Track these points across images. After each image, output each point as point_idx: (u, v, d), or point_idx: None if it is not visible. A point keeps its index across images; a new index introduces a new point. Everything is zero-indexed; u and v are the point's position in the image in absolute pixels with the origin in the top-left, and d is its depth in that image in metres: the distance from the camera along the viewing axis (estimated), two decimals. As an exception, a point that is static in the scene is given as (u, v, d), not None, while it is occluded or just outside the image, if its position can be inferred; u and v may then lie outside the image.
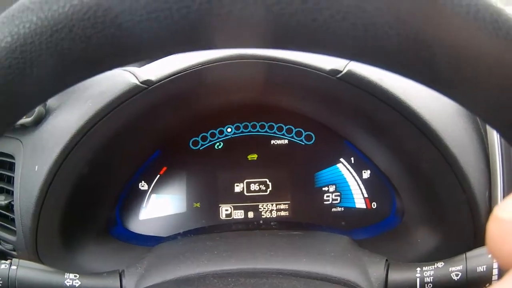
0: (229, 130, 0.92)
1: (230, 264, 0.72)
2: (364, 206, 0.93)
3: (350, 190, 0.93)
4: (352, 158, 0.92)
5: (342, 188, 0.93)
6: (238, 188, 0.93)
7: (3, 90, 0.30)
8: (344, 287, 0.68)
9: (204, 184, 0.93)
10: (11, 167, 0.86)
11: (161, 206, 0.93)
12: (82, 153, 0.76)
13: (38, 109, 0.82)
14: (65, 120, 0.79)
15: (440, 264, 0.68)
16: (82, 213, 0.83)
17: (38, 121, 0.82)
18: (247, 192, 0.93)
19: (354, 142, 0.90)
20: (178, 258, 0.74)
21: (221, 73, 0.76)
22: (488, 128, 0.80)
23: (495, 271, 0.65)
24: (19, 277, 0.66)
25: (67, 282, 0.68)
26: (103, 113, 0.74)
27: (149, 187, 0.93)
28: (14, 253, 0.86)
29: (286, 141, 0.93)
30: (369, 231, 0.90)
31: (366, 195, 0.92)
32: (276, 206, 0.93)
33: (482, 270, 0.65)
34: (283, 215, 0.93)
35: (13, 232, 0.85)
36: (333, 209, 0.93)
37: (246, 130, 0.93)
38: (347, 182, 0.93)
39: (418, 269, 0.68)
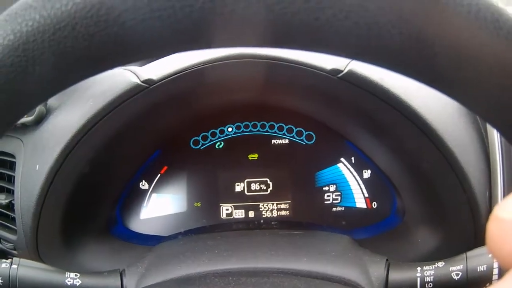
0: (229, 129, 0.92)
1: (231, 263, 0.72)
2: (364, 205, 0.93)
3: (351, 189, 0.93)
4: (353, 158, 0.92)
5: (343, 188, 0.93)
6: (238, 187, 0.93)
7: (5, 89, 0.30)
8: (345, 287, 0.68)
9: (205, 183, 0.93)
10: (11, 166, 0.86)
11: (161, 205, 0.93)
12: (83, 152, 0.76)
13: (39, 108, 0.82)
14: (66, 119, 0.79)
15: (440, 264, 0.68)
16: (82, 212, 0.83)
17: (39, 120, 0.82)
18: (247, 192, 0.93)
19: (355, 142, 0.90)
20: (178, 258, 0.74)
21: (222, 72, 0.76)
22: (489, 128, 0.80)
23: (495, 271, 0.65)
24: (20, 276, 0.66)
25: (68, 281, 0.68)
26: (104, 112, 0.74)
27: (149, 187, 0.93)
28: (15, 252, 0.86)
29: (287, 141, 0.93)
30: (370, 230, 0.90)
31: (366, 195, 0.93)
32: (276, 206, 0.93)
33: (482, 269, 0.65)
34: (284, 215, 0.93)
35: (13, 231, 0.85)
36: (334, 209, 0.93)
37: (247, 130, 0.93)
38: (347, 181, 0.93)
39: (419, 268, 0.68)
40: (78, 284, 0.68)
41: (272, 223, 0.92)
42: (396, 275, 0.70)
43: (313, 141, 0.92)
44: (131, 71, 0.76)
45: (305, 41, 0.31)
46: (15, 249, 0.86)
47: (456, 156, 0.74)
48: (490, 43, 0.29)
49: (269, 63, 0.74)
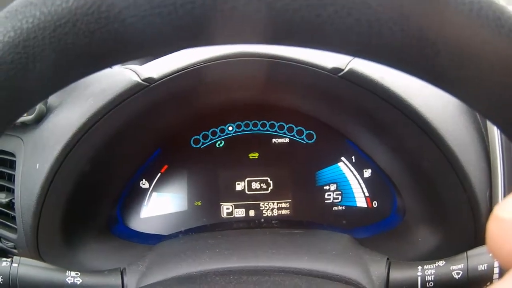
0: (230, 128, 0.92)
1: (232, 262, 0.72)
2: (365, 205, 0.93)
3: (351, 189, 0.93)
4: (353, 157, 0.92)
5: (343, 187, 0.93)
6: (239, 186, 0.93)
7: (5, 86, 0.30)
8: (346, 285, 0.68)
9: (205, 182, 0.93)
10: (12, 165, 0.86)
11: (162, 204, 0.93)
12: (83, 151, 0.76)
13: (39, 107, 0.82)
14: (66, 118, 0.78)
15: (441, 263, 0.67)
16: (83, 211, 0.83)
17: (39, 119, 0.82)
18: (248, 191, 0.93)
19: (355, 141, 0.90)
20: (179, 256, 0.74)
21: (223, 71, 0.75)
22: (489, 127, 0.80)
23: (496, 270, 0.65)
24: (20, 275, 0.66)
25: (69, 279, 0.68)
26: (104, 111, 0.74)
27: (150, 185, 0.93)
28: (15, 251, 0.86)
29: (287, 140, 0.93)
30: (370, 230, 0.90)
31: (367, 194, 0.93)
32: (277, 205, 0.93)
33: (483, 268, 0.65)
34: (284, 214, 0.93)
35: (14, 230, 0.84)
36: (334, 208, 0.93)
37: (247, 129, 0.93)
38: (348, 181, 0.93)
39: (419, 267, 0.68)
40: (78, 283, 0.68)
41: (273, 222, 0.92)
42: (397, 274, 0.70)
43: (313, 140, 0.92)
44: (132, 70, 0.75)
45: (306, 38, 0.31)
46: (15, 248, 0.86)
47: (456, 155, 0.73)
48: (491, 41, 0.29)
49: (270, 62, 0.74)
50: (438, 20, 0.29)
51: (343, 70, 0.72)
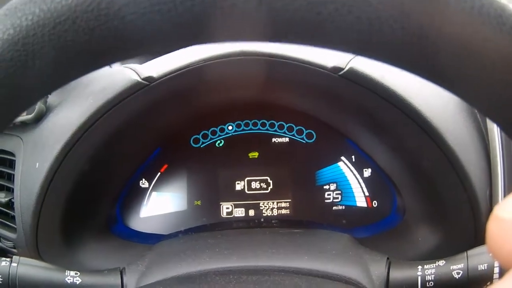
0: (230, 128, 0.92)
1: (232, 261, 0.72)
2: (365, 204, 0.93)
3: (351, 188, 0.93)
4: (353, 157, 0.92)
5: (343, 187, 0.93)
6: (239, 186, 0.93)
7: (4, 83, 0.30)
8: (346, 285, 0.68)
9: (205, 182, 0.93)
10: (11, 164, 0.86)
11: (161, 204, 0.93)
12: (83, 150, 0.76)
13: (39, 106, 0.81)
14: (66, 117, 0.78)
15: (441, 262, 0.67)
16: (82, 211, 0.83)
17: (39, 118, 0.82)
18: (248, 190, 0.93)
19: (355, 140, 0.90)
20: (179, 256, 0.74)
21: (223, 70, 0.75)
22: (489, 126, 0.80)
23: (496, 270, 0.65)
24: (20, 274, 0.66)
25: (68, 279, 0.68)
26: (104, 110, 0.74)
27: (149, 185, 0.93)
28: (15, 250, 0.86)
29: (287, 139, 0.93)
30: (370, 229, 0.90)
31: (367, 194, 0.92)
32: (277, 204, 0.93)
33: (483, 268, 0.65)
34: (284, 213, 0.93)
35: (13, 230, 0.84)
36: (334, 208, 0.93)
37: (247, 128, 0.93)
38: (348, 180, 0.93)
39: (420, 267, 0.68)
40: (78, 282, 0.68)
41: (273, 221, 0.92)
42: (397, 274, 0.70)
43: (313, 139, 0.92)
44: (131, 69, 0.75)
45: (306, 36, 0.31)
46: (14, 248, 0.86)
47: (457, 155, 0.73)
48: (493, 39, 0.29)
49: (270, 61, 0.74)
50: (439, 17, 0.29)
51: (343, 69, 0.72)
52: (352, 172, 0.92)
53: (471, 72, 0.30)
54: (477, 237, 0.77)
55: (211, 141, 0.92)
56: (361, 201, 0.93)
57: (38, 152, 0.79)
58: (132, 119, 0.77)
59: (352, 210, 0.93)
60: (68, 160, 0.75)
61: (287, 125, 0.92)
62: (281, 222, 0.92)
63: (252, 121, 0.92)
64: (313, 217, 0.93)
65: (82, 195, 0.80)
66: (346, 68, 0.72)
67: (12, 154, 0.85)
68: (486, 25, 0.29)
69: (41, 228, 0.79)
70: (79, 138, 0.74)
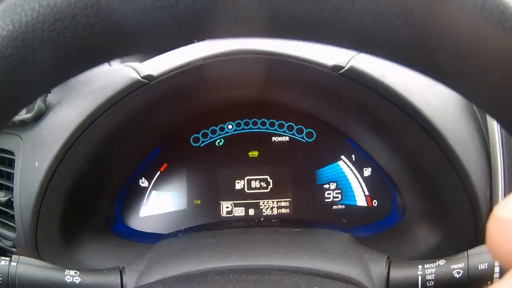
0: (229, 127, 0.92)
1: (232, 260, 0.72)
2: (365, 203, 0.92)
3: (351, 187, 0.93)
4: (353, 156, 0.92)
5: (343, 186, 0.93)
6: (239, 185, 0.92)
7: (3, 80, 0.29)
8: (346, 284, 0.68)
9: (205, 181, 0.93)
10: (10, 163, 0.86)
11: (161, 203, 0.93)
12: (82, 149, 0.76)
13: (38, 105, 0.81)
14: (65, 115, 0.78)
15: (441, 262, 0.67)
16: (82, 210, 0.83)
17: (38, 117, 0.82)
18: (248, 189, 0.92)
19: (355, 139, 0.90)
20: (179, 255, 0.74)
21: (223, 68, 0.75)
22: (490, 126, 0.80)
23: (496, 269, 0.65)
24: (19, 274, 0.66)
25: (68, 278, 0.68)
26: (104, 108, 0.73)
27: (149, 184, 0.92)
28: (14, 249, 0.86)
29: (287, 138, 0.93)
30: (370, 228, 0.90)
31: (367, 193, 0.92)
32: (277, 203, 0.92)
33: (483, 268, 0.65)
34: (284, 213, 0.93)
35: (12, 229, 0.84)
36: (334, 207, 0.93)
37: (247, 127, 0.92)
38: (348, 179, 0.93)
39: (420, 266, 0.68)
40: (77, 281, 0.68)
41: (273, 221, 0.92)
42: (397, 273, 0.70)
43: (313, 138, 0.92)
44: (131, 67, 0.75)
45: (308, 32, 0.30)
46: (14, 247, 0.86)
47: (457, 154, 0.73)
48: (495, 36, 0.29)
49: (270, 59, 0.73)
50: (442, 14, 0.29)
51: (343, 67, 0.72)
52: (352, 171, 0.92)
53: (473, 69, 0.30)
54: (477, 237, 0.77)
55: (211, 140, 0.92)
56: (361, 200, 0.93)
57: (38, 151, 0.78)
58: (131, 117, 0.77)
59: (352, 209, 0.93)
60: (67, 159, 0.75)
61: (287, 124, 0.92)
62: (281, 221, 0.92)
63: (252, 120, 0.92)
64: (313, 216, 0.93)
65: (82, 194, 0.80)
66: (347, 67, 0.72)
67: (12, 153, 0.85)
68: (488, 21, 0.29)
69: (41, 227, 0.78)
70: (79, 137, 0.74)
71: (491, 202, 0.77)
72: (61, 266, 0.69)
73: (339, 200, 0.93)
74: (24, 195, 0.79)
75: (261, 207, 0.93)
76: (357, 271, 0.70)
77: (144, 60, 0.80)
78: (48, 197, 0.76)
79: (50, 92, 0.85)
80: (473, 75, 0.30)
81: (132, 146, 0.86)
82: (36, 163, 0.77)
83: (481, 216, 0.75)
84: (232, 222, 0.92)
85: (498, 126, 0.78)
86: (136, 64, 0.76)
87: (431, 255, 0.73)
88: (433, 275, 0.67)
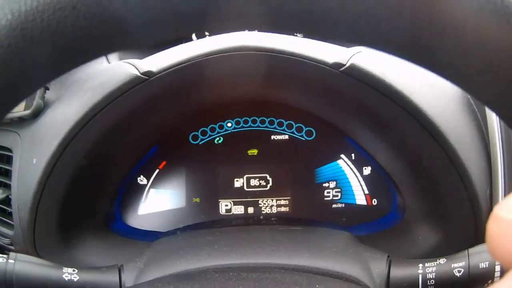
0: (229, 125, 0.92)
1: (231, 258, 0.71)
2: (364, 202, 0.92)
3: (351, 186, 0.92)
4: (353, 154, 0.92)
5: (343, 184, 0.92)
6: (238, 183, 0.92)
7: (1, 71, 0.29)
8: (346, 282, 0.67)
9: (204, 179, 0.92)
10: (8, 160, 0.86)
11: (160, 201, 0.93)
12: (80, 146, 0.75)
13: (37, 102, 0.81)
14: (63, 112, 0.78)
15: (442, 261, 0.67)
16: (80, 207, 0.83)
17: (37, 114, 0.82)
18: (247, 188, 0.92)
19: (355, 138, 0.90)
20: (178, 253, 0.73)
21: (223, 65, 0.75)
22: (490, 125, 0.80)
23: (497, 268, 0.65)
24: (17, 271, 0.66)
25: (66, 276, 0.67)
26: (102, 104, 0.73)
27: (148, 182, 0.92)
28: (12, 247, 0.86)
29: (287, 137, 0.92)
30: (370, 227, 0.90)
31: (366, 192, 0.92)
32: (276, 202, 0.92)
33: (484, 266, 0.65)
34: (283, 211, 0.92)
35: (10, 226, 0.84)
36: (334, 205, 0.92)
37: (246, 125, 0.92)
38: (347, 178, 0.93)
39: (420, 265, 0.68)
40: (75, 279, 0.68)
41: (272, 219, 0.92)
42: (398, 272, 0.70)
43: (313, 137, 0.92)
44: (131, 64, 0.75)
45: (312, 25, 0.30)
46: (12, 244, 0.86)
47: (457, 153, 0.73)
48: (500, 30, 0.29)
49: (271, 56, 0.73)
50: (447, 7, 0.28)
51: (344, 65, 0.72)
52: (352, 170, 0.92)
53: (478, 63, 0.30)
54: (477, 236, 0.76)
55: (210, 138, 0.92)
56: (360, 199, 0.92)
57: (36, 148, 0.78)
58: (130, 114, 0.77)
59: (352, 208, 0.92)
60: (65, 156, 0.75)
61: (287, 123, 0.92)
62: (280, 219, 0.92)
63: (252, 118, 0.92)
64: (312, 215, 0.92)
65: (80, 191, 0.80)
66: (347, 64, 0.72)
67: (10, 150, 0.85)
68: (493, 15, 0.28)
69: (39, 225, 0.78)
70: (77, 134, 0.74)
71: (491, 201, 0.77)
72: (59, 264, 0.69)
73: (339, 199, 0.92)
74: (22, 192, 0.79)
75: (260, 205, 0.92)
76: (358, 270, 0.70)
77: (144, 57, 0.80)
78: (46, 194, 0.76)
79: (48, 89, 0.84)
80: (477, 68, 0.30)
81: (131, 144, 0.86)
82: (34, 160, 0.77)
83: (481, 215, 0.75)
84: (231, 220, 0.92)
85: (498, 125, 0.78)
86: (136, 61, 0.76)
87: (431, 254, 0.73)
88: (433, 274, 0.66)
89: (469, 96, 0.81)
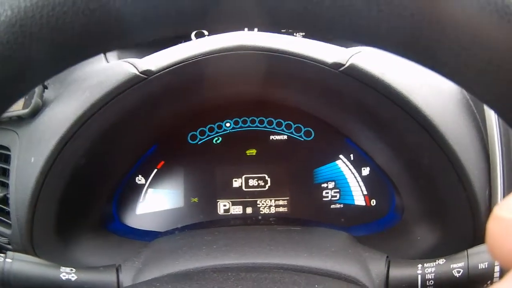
0: (228, 125, 0.92)
1: (230, 258, 0.71)
2: (363, 203, 0.92)
3: (349, 187, 0.92)
4: (352, 155, 0.92)
5: (341, 185, 0.92)
6: (236, 183, 0.92)
7: (0, 67, 0.29)
8: (345, 283, 0.67)
9: (202, 179, 0.92)
10: (6, 159, 0.86)
11: (158, 200, 0.92)
12: (79, 144, 0.75)
13: (35, 101, 0.81)
14: (62, 111, 0.78)
15: (441, 261, 0.67)
16: (78, 207, 0.82)
17: (35, 113, 0.81)
18: (245, 188, 0.92)
19: (354, 139, 0.90)
20: (176, 253, 0.73)
21: (222, 64, 0.75)
22: (489, 126, 0.80)
23: (497, 268, 0.65)
24: (15, 270, 0.66)
25: (63, 275, 0.67)
26: (101, 103, 0.73)
27: (146, 181, 0.92)
28: (9, 246, 0.85)
29: (285, 137, 0.92)
30: (369, 228, 0.90)
31: (365, 192, 0.92)
32: (274, 202, 0.92)
33: (484, 267, 0.65)
34: (282, 211, 0.92)
35: (8, 226, 0.84)
36: (332, 206, 0.92)
37: (245, 125, 0.92)
38: (346, 179, 0.92)
39: (420, 265, 0.68)
40: (73, 279, 0.67)
41: (270, 219, 0.91)
42: (397, 272, 0.70)
43: (311, 137, 0.92)
44: (130, 63, 0.75)
45: (312, 25, 0.30)
46: (9, 244, 0.85)
47: (456, 153, 0.73)
48: (500, 29, 0.29)
49: (270, 56, 0.73)
50: (448, 6, 0.28)
51: (344, 65, 0.72)
52: (351, 171, 0.92)
53: (478, 62, 0.30)
54: (476, 236, 0.76)
55: (209, 138, 0.92)
56: (359, 200, 0.92)
57: (34, 147, 0.78)
58: (129, 113, 0.77)
59: (350, 208, 0.92)
60: (63, 155, 0.75)
61: (285, 123, 0.92)
62: (278, 220, 0.92)
63: (250, 118, 0.92)
64: (311, 215, 0.92)
65: (78, 190, 0.80)
66: (347, 64, 0.72)
67: (8, 149, 0.85)
68: (493, 15, 0.28)
69: (36, 224, 0.78)
70: (75, 132, 0.74)
71: (490, 201, 0.77)
72: (57, 263, 0.69)
73: (337, 199, 0.92)
74: (20, 191, 0.78)
75: (258, 205, 0.92)
76: (357, 270, 0.70)
77: (143, 56, 0.80)
78: (44, 193, 0.76)
79: (47, 88, 0.84)
80: (477, 68, 0.30)
81: (129, 143, 0.85)
82: (32, 159, 0.77)
83: (480, 215, 0.75)
84: (229, 220, 0.91)
85: (497, 125, 0.78)
86: (135, 60, 0.76)
87: (430, 255, 0.73)
88: (432, 274, 0.66)
89: (468, 97, 0.81)
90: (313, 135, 0.92)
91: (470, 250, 0.67)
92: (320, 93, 0.81)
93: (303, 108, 0.88)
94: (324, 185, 0.92)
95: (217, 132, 0.92)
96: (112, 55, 0.93)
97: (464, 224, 0.76)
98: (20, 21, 0.28)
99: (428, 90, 0.75)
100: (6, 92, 0.30)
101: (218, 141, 0.92)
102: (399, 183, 0.87)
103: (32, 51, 0.28)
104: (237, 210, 0.92)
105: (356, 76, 0.72)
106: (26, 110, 0.80)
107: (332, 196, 0.92)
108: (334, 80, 0.74)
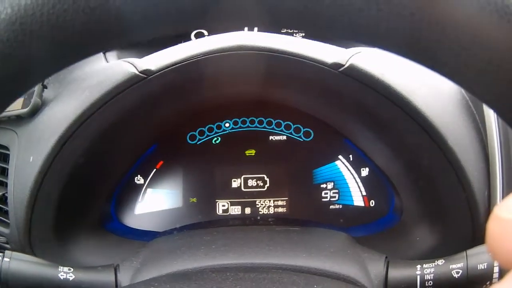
0: (227, 125, 0.92)
1: (228, 258, 0.71)
2: (362, 203, 0.92)
3: (348, 187, 0.92)
4: (351, 156, 0.92)
5: (340, 186, 0.92)
6: (235, 183, 0.92)
7: (0, 65, 0.29)
8: (344, 283, 0.67)
9: (201, 179, 0.92)
10: (5, 158, 0.86)
11: (157, 200, 0.92)
12: (78, 144, 0.75)
13: (34, 100, 0.81)
14: (61, 110, 0.78)
15: (440, 262, 0.67)
16: (77, 206, 0.82)
17: (34, 112, 0.81)
18: (244, 188, 0.92)
19: (353, 139, 0.90)
20: (174, 253, 0.73)
21: (221, 64, 0.75)
22: (488, 127, 0.80)
23: (496, 269, 0.65)
24: (12, 270, 0.66)
25: (61, 275, 0.67)
26: (101, 102, 0.73)
27: (145, 181, 0.92)
28: (8, 245, 0.85)
29: (285, 137, 0.92)
30: (368, 229, 0.90)
31: (364, 193, 0.92)
32: (273, 203, 0.92)
33: (483, 268, 0.65)
34: (281, 212, 0.92)
35: (6, 225, 0.84)
36: (331, 206, 0.92)
37: (244, 126, 0.92)
38: (345, 179, 0.92)
39: (419, 266, 0.68)
40: (71, 278, 0.67)
41: (269, 220, 0.91)
42: (396, 273, 0.70)
43: (311, 138, 0.92)
44: (129, 62, 0.75)
45: (312, 24, 0.30)
46: (7, 243, 0.85)
47: (456, 154, 0.73)
48: (500, 29, 0.29)
49: (269, 56, 0.73)
50: (447, 7, 0.28)
51: (343, 65, 0.72)
52: (350, 171, 0.92)
53: (477, 62, 0.30)
54: (475, 237, 0.76)
55: (208, 138, 0.92)
56: (358, 200, 0.92)
57: (33, 146, 0.78)
58: (128, 113, 0.77)
59: (349, 209, 0.92)
60: (62, 154, 0.75)
61: (285, 123, 0.92)
62: (277, 220, 0.92)
63: (250, 119, 0.92)
64: (310, 215, 0.92)
65: (76, 190, 0.80)
66: (347, 65, 0.72)
67: (7, 148, 0.85)
68: (493, 15, 0.28)
69: (35, 223, 0.78)
70: (74, 132, 0.74)
71: (489, 202, 0.77)
72: (55, 263, 0.69)
73: (336, 200, 0.92)
74: (18, 190, 0.78)
75: (257, 206, 0.92)
76: (355, 270, 0.70)
77: (142, 56, 0.80)
78: (42, 193, 0.76)
79: (46, 87, 0.84)
80: (477, 67, 0.30)
81: (128, 143, 0.85)
82: (31, 158, 0.76)
83: (479, 216, 0.75)
84: (228, 221, 0.91)
85: (497, 126, 0.78)
86: (134, 60, 0.76)
87: (429, 256, 0.73)
88: (432, 275, 0.66)
89: (467, 98, 0.81)
90: (312, 135, 0.92)
91: (469, 251, 0.67)
92: (319, 94, 0.81)
93: (303, 109, 0.88)
94: (323, 185, 0.92)
95: (216, 132, 0.92)
96: (111, 55, 0.93)
97: (463, 225, 0.76)
98: (20, 19, 0.28)
99: (428, 90, 0.75)
100: (6, 89, 0.30)
101: (217, 141, 0.92)
102: (398, 184, 0.87)
103: (32, 49, 0.28)
104: (236, 210, 0.92)
105: (355, 77, 0.72)
106: (25, 110, 0.80)
107: (331, 197, 0.92)
108: (333, 81, 0.74)
